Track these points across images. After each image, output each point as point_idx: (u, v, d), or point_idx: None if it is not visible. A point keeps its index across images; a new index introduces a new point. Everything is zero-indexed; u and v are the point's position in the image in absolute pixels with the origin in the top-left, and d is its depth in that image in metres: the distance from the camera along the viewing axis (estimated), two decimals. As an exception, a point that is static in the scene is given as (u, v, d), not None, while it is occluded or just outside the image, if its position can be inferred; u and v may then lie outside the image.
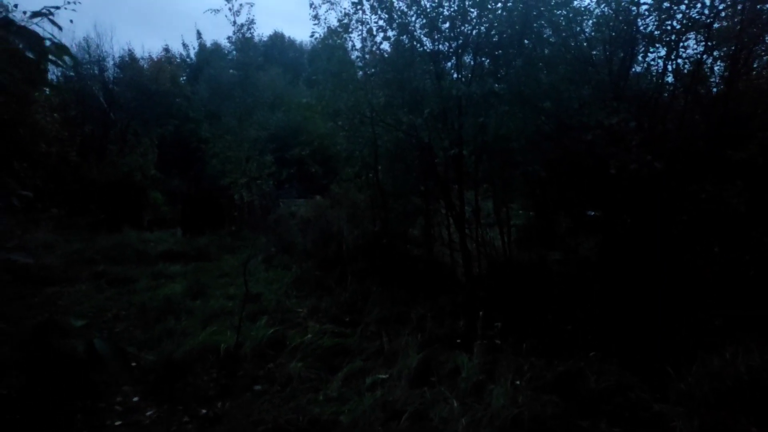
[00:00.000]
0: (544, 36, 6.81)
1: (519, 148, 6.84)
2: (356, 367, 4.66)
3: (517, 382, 4.01)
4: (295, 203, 12.37)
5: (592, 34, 6.72)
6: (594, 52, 6.70)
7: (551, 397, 3.85)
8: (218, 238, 11.85)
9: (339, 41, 9.43)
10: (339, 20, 8.30)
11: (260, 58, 17.97)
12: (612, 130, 5.58)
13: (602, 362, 4.41)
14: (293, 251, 10.00)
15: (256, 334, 5.55)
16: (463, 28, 7.11)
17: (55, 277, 7.51)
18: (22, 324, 4.45)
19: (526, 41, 6.74)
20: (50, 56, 2.00)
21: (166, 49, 22.39)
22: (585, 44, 6.72)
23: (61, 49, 1.95)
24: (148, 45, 45.03)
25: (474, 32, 7.08)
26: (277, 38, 28.44)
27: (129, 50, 20.64)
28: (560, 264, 7.30)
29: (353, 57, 9.27)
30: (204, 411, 4.17)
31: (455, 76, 7.64)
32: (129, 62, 20.18)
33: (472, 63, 7.47)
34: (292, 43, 28.94)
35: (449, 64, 7.79)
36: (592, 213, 7.25)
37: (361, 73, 9.02)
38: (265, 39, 26.11)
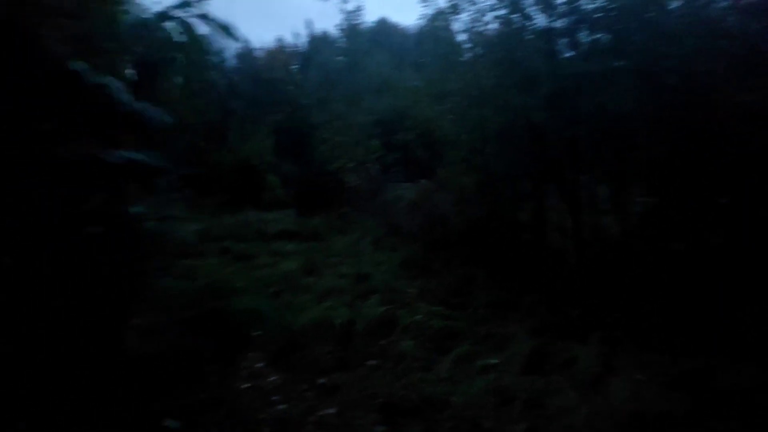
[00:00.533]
0: (669, 8, 6.27)
1: (640, 128, 6.38)
2: (466, 350, 4.70)
3: (639, 377, 3.82)
4: (401, 187, 12.51)
5: (725, 3, 6.06)
6: (727, 23, 6.04)
7: (677, 394, 3.62)
8: (329, 220, 12.44)
9: (446, 23, 9.37)
10: (448, 1, 8.22)
11: (367, 44, 18.26)
12: (748, 108, 5.02)
13: (735, 361, 4.06)
14: (400, 234, 10.20)
15: (368, 312, 5.78)
16: (579, 3, 6.74)
17: (188, 251, 8.33)
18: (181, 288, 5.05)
19: (648, 14, 6.25)
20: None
21: (279, 40, 23.55)
22: (717, 15, 6.07)
23: (226, 28, 2.28)
24: (262, 36, 47.71)
25: (591, 7, 6.68)
26: (383, 24, 28.70)
27: (245, 41, 22.01)
28: (685, 255, 6.73)
29: (462, 38, 9.19)
30: (322, 381, 4.44)
31: (570, 54, 7.31)
32: (245, 53, 21.51)
33: (588, 39, 7.09)
34: (396, 28, 29.08)
35: (563, 41, 7.45)
36: (723, 201, 6.59)
37: (469, 54, 8.91)
38: (371, 25, 26.55)
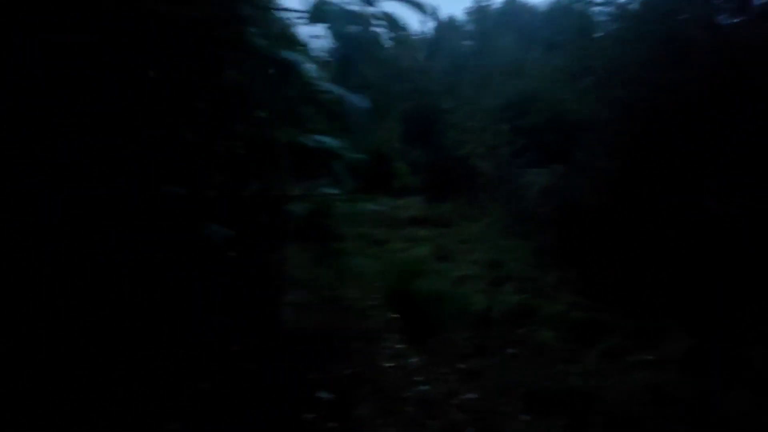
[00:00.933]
0: None
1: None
2: (613, 344, 4.47)
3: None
4: (532, 172, 12.09)
5: None
6: None
7: None
8: (458, 206, 12.44)
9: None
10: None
11: (494, 25, 17.81)
12: None
13: None
14: (531, 221, 9.88)
15: (503, 300, 5.74)
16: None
17: (329, 235, 8.89)
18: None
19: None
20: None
21: (407, 28, 23.88)
22: None
23: (422, 6, 2.54)
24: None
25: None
26: (511, 4, 27.83)
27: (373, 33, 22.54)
28: None
29: (600, 11, 8.66)
30: (461, 366, 4.51)
31: (734, 21, 6.55)
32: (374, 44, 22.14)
33: (758, 2, 6.29)
34: (525, 6, 28.03)
35: (726, 7, 6.68)
36: None
37: (611, 27, 8.36)
38: (499, 6, 25.95)
